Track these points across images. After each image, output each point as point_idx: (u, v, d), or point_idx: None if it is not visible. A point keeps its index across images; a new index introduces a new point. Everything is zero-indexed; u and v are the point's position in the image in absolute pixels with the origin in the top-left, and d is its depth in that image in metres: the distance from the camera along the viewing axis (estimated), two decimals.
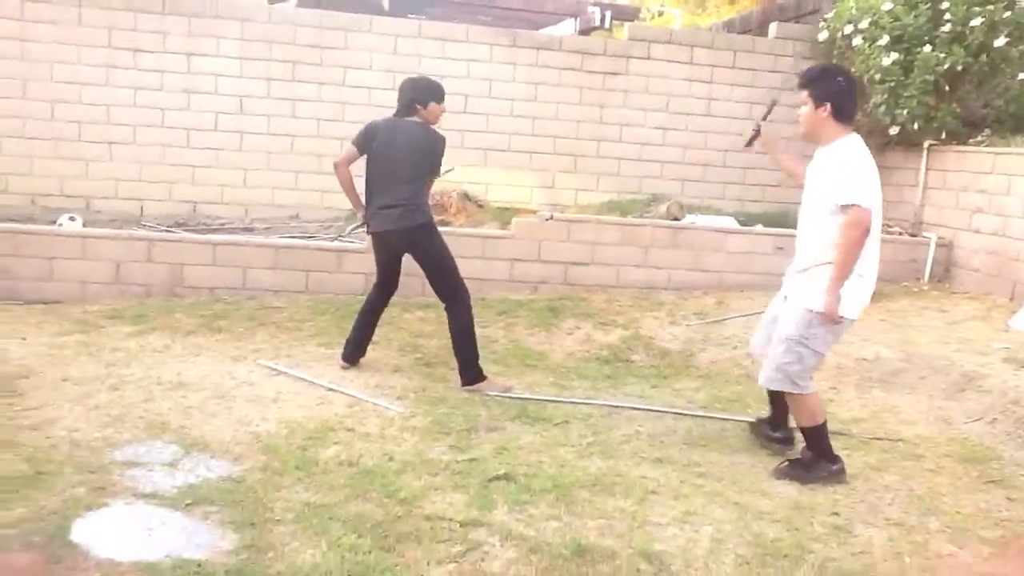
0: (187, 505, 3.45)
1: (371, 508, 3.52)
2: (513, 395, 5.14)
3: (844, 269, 3.82)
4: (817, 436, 4.11)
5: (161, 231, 7.73)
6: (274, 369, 5.32)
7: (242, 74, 8.50)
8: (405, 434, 4.42)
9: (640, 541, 3.37)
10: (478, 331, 6.47)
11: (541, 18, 12.61)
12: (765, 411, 4.65)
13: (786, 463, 4.19)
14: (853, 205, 3.77)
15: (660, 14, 18.27)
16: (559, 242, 7.46)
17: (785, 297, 4.20)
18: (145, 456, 3.92)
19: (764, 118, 4.69)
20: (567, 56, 9.04)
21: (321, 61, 8.61)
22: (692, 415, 4.98)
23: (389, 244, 5.26)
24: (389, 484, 3.74)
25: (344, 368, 5.44)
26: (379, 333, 5.73)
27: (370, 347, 5.67)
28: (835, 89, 3.94)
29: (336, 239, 7.79)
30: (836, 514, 3.75)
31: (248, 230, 8.21)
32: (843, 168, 3.85)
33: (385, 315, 6.57)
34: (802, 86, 4.02)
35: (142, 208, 8.55)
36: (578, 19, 12.07)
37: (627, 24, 10.02)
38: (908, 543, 3.52)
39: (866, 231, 3.79)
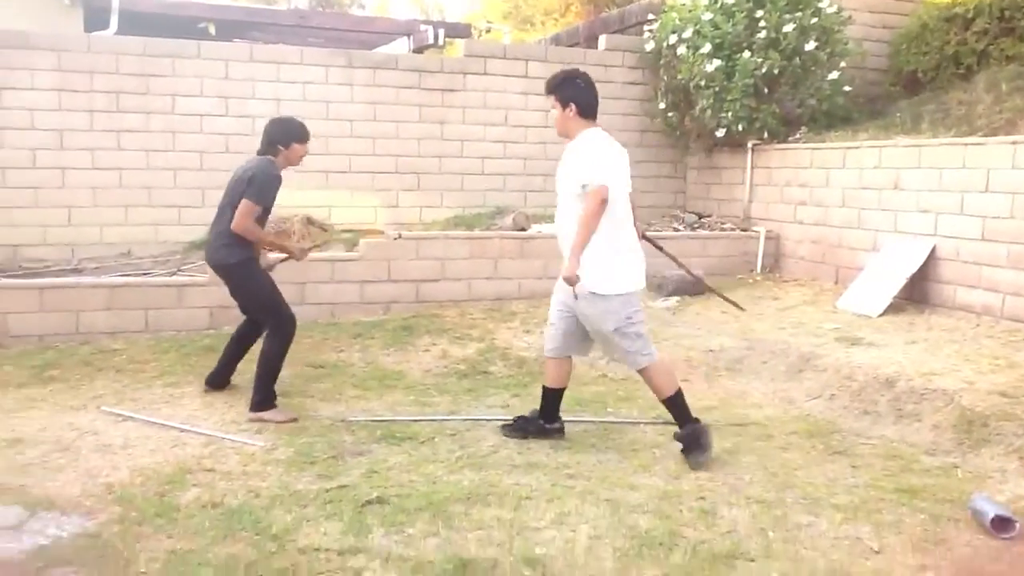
0: (39, 569, 3.21)
1: (242, 548, 3.38)
2: (376, 417, 5.08)
3: (582, 238, 4.14)
4: (679, 402, 4.43)
5: None
6: (119, 415, 5.02)
7: (60, 107, 7.99)
8: (269, 468, 4.27)
9: (520, 548, 3.39)
10: (333, 356, 6.35)
11: (373, 38, 12.53)
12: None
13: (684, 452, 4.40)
14: (589, 183, 4.19)
15: (488, 30, 18.58)
16: (408, 260, 7.44)
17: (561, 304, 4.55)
18: None
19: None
20: (404, 74, 9.01)
21: (147, 89, 8.18)
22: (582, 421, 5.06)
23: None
24: (258, 521, 3.61)
25: (206, 392, 5.46)
26: (240, 365, 5.54)
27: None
28: (576, 91, 4.39)
29: (175, 273, 7.45)
30: (702, 498, 3.91)
31: (77, 271, 7.71)
32: (582, 154, 4.30)
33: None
34: (549, 92, 4.46)
35: None
36: (411, 38, 12.05)
37: (462, 41, 10.10)
38: (769, 518, 3.70)
39: (602, 203, 4.14)
